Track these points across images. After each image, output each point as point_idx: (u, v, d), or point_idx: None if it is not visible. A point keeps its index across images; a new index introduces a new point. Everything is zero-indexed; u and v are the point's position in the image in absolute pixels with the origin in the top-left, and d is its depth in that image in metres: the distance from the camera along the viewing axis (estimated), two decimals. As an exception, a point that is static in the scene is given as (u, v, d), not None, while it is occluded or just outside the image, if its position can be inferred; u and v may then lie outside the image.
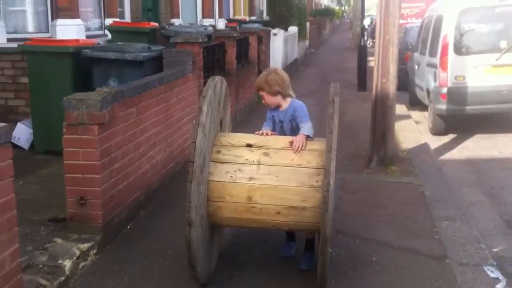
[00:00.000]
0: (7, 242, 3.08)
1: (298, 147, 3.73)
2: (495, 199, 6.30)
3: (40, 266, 3.75)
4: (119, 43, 6.79)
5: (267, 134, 4.00)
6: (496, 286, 3.96)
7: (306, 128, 3.87)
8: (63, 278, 3.73)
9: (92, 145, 4.18)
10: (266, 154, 3.72)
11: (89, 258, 4.10)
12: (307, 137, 3.81)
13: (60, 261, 3.84)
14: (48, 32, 8.32)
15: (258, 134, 4.00)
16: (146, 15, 12.58)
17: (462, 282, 3.98)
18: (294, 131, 4.00)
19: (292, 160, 3.68)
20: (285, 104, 4.09)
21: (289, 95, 4.10)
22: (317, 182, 3.60)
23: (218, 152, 3.74)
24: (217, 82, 3.81)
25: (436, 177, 6.71)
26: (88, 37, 8.49)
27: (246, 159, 3.70)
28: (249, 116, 9.80)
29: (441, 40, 9.30)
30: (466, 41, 9.16)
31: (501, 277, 4.08)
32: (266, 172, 3.65)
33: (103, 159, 4.28)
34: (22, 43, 6.75)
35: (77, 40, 6.56)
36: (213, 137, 3.78)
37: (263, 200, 3.62)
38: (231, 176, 3.65)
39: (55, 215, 4.58)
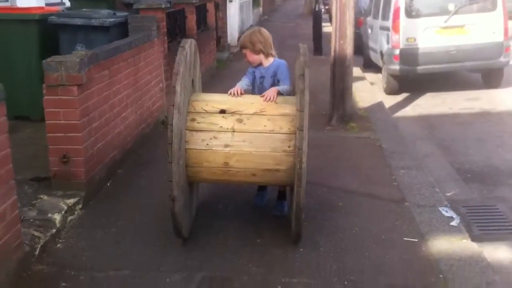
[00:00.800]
0: (6, 194, 3.29)
1: (269, 98, 3.94)
2: (446, 150, 6.79)
3: (31, 220, 3.96)
4: (84, 9, 6.85)
5: (240, 94, 4.06)
6: (451, 223, 4.38)
7: (283, 87, 4.12)
8: (54, 230, 3.96)
9: (72, 105, 4.36)
10: (239, 121, 3.83)
11: (76, 213, 4.33)
12: (279, 92, 4.04)
13: (49, 215, 4.06)
14: (7, 1, 8.26)
15: (231, 94, 4.06)
16: (99, -18, 12.48)
17: (420, 221, 4.39)
18: (275, 85, 4.19)
19: (265, 126, 3.81)
20: (267, 62, 4.31)
21: (271, 54, 4.31)
22: (289, 147, 3.77)
23: (193, 120, 3.83)
24: (187, 50, 3.83)
25: (391, 132, 7.15)
26: (47, 5, 8.46)
27: (221, 127, 3.81)
28: (211, 80, 10.00)
29: (393, 4, 9.72)
30: (417, 5, 9.61)
31: (454, 216, 4.50)
32: (240, 139, 3.79)
33: (82, 119, 4.47)
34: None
35: (42, 8, 6.64)
36: (187, 102, 3.86)
37: (239, 164, 3.81)
38: (207, 144, 3.78)
39: (36, 174, 4.75)
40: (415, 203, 4.76)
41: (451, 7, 9.42)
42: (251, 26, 18.71)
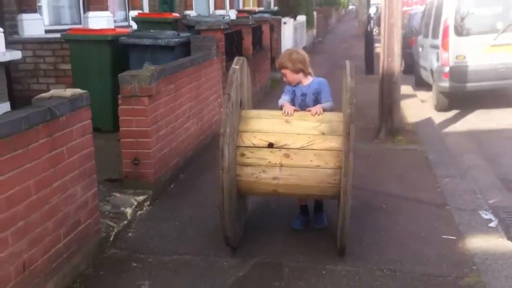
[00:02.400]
0: (89, 185, 3.85)
1: (316, 112, 4.16)
2: (492, 162, 7.01)
3: (106, 213, 4.51)
4: (151, 31, 7.52)
5: (291, 113, 4.18)
6: (489, 225, 4.66)
7: (327, 104, 4.31)
8: (126, 221, 4.51)
9: (143, 114, 4.94)
10: (287, 156, 3.96)
11: (144, 208, 4.87)
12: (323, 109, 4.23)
13: (122, 209, 4.62)
14: (80, 23, 9.08)
15: (284, 113, 4.19)
16: (162, 7, 13.33)
17: (460, 223, 4.69)
18: (318, 103, 4.35)
19: (311, 161, 3.95)
20: (307, 80, 4.45)
21: (310, 73, 4.46)
22: (334, 180, 3.92)
23: (242, 155, 4.00)
24: (237, 73, 3.99)
25: (439, 145, 7.43)
26: (116, 27, 9.23)
27: (269, 162, 3.97)
28: (264, 98, 10.53)
29: (443, 23, 10.00)
30: (466, 23, 9.86)
31: (493, 219, 4.77)
32: (288, 173, 3.96)
33: (152, 126, 5.03)
34: (59, 34, 7.50)
35: (114, 29, 7.31)
36: (236, 129, 4.01)
37: (287, 192, 4.10)
38: (257, 177, 3.99)
39: (109, 176, 5.34)
40: (456, 207, 5.05)
41: (500, 25, 9.63)
42: (305, 47, 19.26)
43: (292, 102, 4.42)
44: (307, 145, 3.99)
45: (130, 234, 4.43)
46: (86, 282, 3.67)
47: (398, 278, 3.74)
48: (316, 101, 4.39)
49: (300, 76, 4.43)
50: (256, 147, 4.02)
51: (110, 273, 3.80)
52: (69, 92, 3.67)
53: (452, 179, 5.86)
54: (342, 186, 3.77)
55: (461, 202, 5.18)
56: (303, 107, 4.37)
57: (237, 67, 4.07)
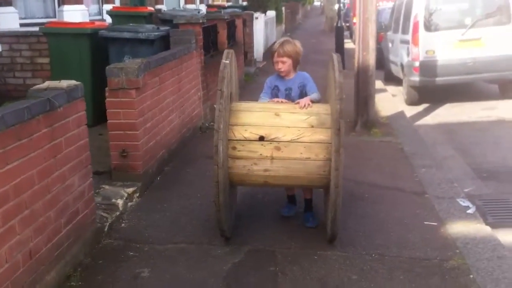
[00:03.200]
0: (85, 176, 3.90)
1: (305, 104, 4.19)
2: (464, 153, 7.28)
3: (98, 204, 4.55)
4: (131, 24, 7.53)
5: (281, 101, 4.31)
6: (467, 211, 4.88)
7: (314, 96, 4.36)
8: (118, 212, 4.57)
9: (131, 106, 4.98)
10: (277, 149, 4.04)
11: (134, 200, 4.93)
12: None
13: (113, 200, 4.67)
14: (55, 17, 9.03)
15: (273, 101, 4.33)
16: (133, 1, 13.28)
17: (439, 210, 4.90)
18: (303, 97, 4.37)
19: (301, 153, 4.04)
20: (292, 73, 4.46)
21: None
22: (324, 172, 4.05)
23: (234, 148, 4.06)
24: (228, 68, 4.00)
25: (413, 136, 7.68)
26: (90, 21, 9.18)
27: (260, 154, 4.05)
28: (240, 92, 10.59)
29: (413, 19, 10.28)
30: (435, 19, 10.17)
31: (471, 206, 5.00)
32: (279, 165, 4.06)
33: (139, 119, 5.09)
34: (34, 28, 7.44)
35: (93, 23, 7.30)
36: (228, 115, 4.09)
37: (277, 182, 4.21)
38: (248, 169, 4.08)
39: (95, 169, 5.35)
40: (435, 195, 5.26)
41: (468, 21, 9.97)
42: (275, 42, 19.42)
43: (276, 97, 4.43)
44: (297, 138, 4.07)
45: (123, 224, 4.49)
46: (86, 271, 3.72)
47: (387, 262, 3.91)
48: (302, 95, 4.41)
49: (292, 69, 4.45)
50: (247, 140, 4.08)
51: (108, 262, 3.86)
52: (64, 83, 3.71)
53: (429, 169, 6.08)
54: (333, 179, 3.87)
55: (439, 190, 5.40)
56: (289, 100, 4.40)
57: (227, 61, 4.10)
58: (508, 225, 4.97)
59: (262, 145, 4.07)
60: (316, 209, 4.65)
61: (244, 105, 4.45)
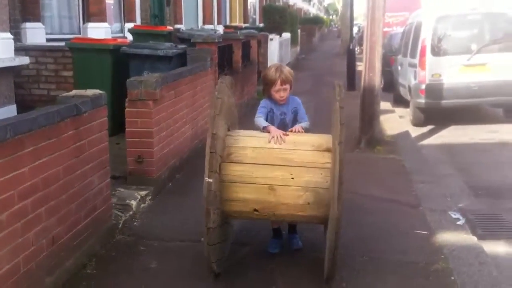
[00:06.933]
0: (103, 175, 4.32)
1: (298, 130, 4.12)
2: (464, 172, 7.58)
3: (113, 204, 4.96)
4: (151, 42, 8.02)
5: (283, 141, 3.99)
6: (457, 223, 5.21)
7: (305, 125, 4.26)
8: (131, 212, 4.97)
9: (148, 116, 5.42)
10: (273, 215, 4.01)
11: (146, 202, 5.34)
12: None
13: (127, 201, 5.08)
14: (80, 33, 9.55)
15: (274, 141, 3.99)
16: (153, 20, 13.86)
17: (431, 220, 5.23)
18: (296, 121, 4.33)
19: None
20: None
21: None
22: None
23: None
24: (223, 97, 3.82)
25: (415, 155, 8.02)
26: (112, 38, 9.71)
27: (256, 214, 3.98)
28: (252, 109, 11.03)
29: (420, 43, 10.67)
30: (442, 44, 10.54)
31: (461, 218, 5.32)
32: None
33: (155, 128, 5.51)
34: (59, 42, 7.94)
35: (115, 39, 7.81)
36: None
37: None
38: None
39: (113, 174, 5.77)
40: (428, 208, 5.59)
41: (474, 46, 10.33)
42: (289, 63, 19.89)
43: (271, 121, 4.27)
44: (293, 214, 4.00)
45: (135, 223, 4.90)
46: (101, 261, 4.12)
47: (376, 263, 4.26)
48: (295, 120, 4.34)
49: None
50: (241, 211, 4.03)
51: (121, 254, 4.26)
52: (90, 92, 4.15)
53: (426, 184, 6.41)
54: (332, 240, 3.77)
55: (433, 204, 5.73)
56: (282, 126, 4.25)
57: (217, 113, 3.81)
58: (496, 237, 5.27)
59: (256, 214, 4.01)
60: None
61: (238, 173, 4.09)
